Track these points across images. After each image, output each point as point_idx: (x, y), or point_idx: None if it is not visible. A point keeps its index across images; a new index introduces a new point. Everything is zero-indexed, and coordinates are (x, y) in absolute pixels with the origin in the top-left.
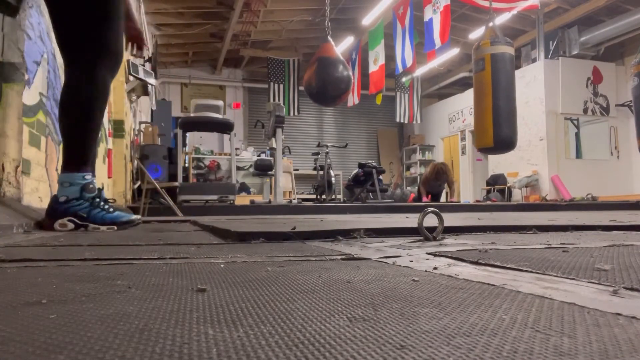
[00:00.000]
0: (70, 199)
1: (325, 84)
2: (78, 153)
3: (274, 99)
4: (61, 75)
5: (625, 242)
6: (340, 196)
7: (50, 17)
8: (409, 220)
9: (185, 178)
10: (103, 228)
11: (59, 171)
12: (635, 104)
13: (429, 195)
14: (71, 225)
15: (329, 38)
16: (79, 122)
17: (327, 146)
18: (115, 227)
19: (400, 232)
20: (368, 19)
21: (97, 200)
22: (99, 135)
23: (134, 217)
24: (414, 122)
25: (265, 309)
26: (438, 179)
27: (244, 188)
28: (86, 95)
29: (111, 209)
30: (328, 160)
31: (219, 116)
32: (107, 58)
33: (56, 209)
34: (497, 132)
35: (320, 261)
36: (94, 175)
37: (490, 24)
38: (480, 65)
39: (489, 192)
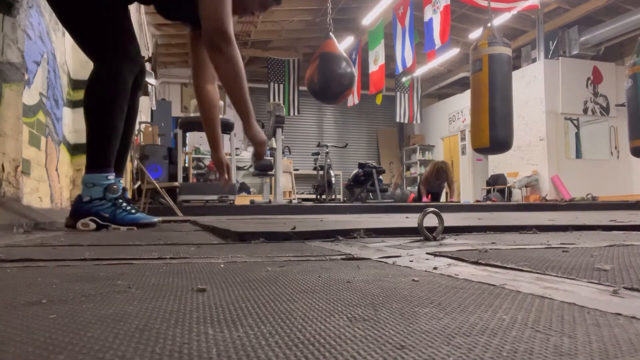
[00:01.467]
0: (94, 199)
1: (328, 81)
2: (100, 153)
3: (274, 99)
4: (61, 76)
5: (625, 242)
6: (340, 196)
7: (65, 27)
8: (409, 220)
9: (185, 178)
10: (123, 229)
11: (83, 172)
12: (629, 106)
13: (429, 195)
14: (93, 225)
15: (331, 34)
16: (99, 120)
17: (327, 146)
18: (135, 228)
19: (400, 232)
20: (368, 19)
21: (120, 201)
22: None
23: (155, 219)
24: (414, 122)
25: (265, 309)
26: (438, 178)
27: (244, 188)
28: (105, 92)
29: (132, 210)
30: (328, 160)
31: (219, 116)
32: (126, 59)
33: (79, 209)
34: (493, 133)
35: (320, 261)
36: (121, 176)
37: (489, 25)
38: (477, 65)
39: (489, 192)
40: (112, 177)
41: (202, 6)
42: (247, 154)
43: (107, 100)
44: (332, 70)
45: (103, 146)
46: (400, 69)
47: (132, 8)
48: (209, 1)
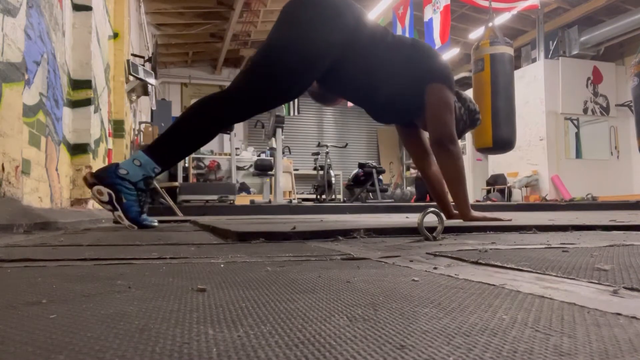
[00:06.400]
0: (127, 178)
1: None
2: (171, 150)
3: None
4: (61, 76)
5: (625, 242)
6: (340, 196)
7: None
8: (409, 220)
9: (185, 178)
10: (126, 222)
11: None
12: (635, 104)
13: (427, 195)
14: (106, 198)
15: None
16: (195, 125)
17: (327, 146)
18: (136, 227)
19: (400, 232)
20: None
21: (143, 197)
22: (100, 136)
23: (156, 223)
24: None
25: (265, 309)
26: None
27: (244, 188)
28: (219, 110)
29: (145, 210)
30: (328, 160)
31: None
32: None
33: (108, 177)
34: (496, 133)
35: (320, 261)
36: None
37: (490, 24)
38: (479, 65)
39: (489, 192)
40: (157, 170)
41: (432, 118)
42: (247, 153)
43: (213, 118)
44: None
45: (178, 146)
46: None
47: (132, 8)
48: (439, 114)
